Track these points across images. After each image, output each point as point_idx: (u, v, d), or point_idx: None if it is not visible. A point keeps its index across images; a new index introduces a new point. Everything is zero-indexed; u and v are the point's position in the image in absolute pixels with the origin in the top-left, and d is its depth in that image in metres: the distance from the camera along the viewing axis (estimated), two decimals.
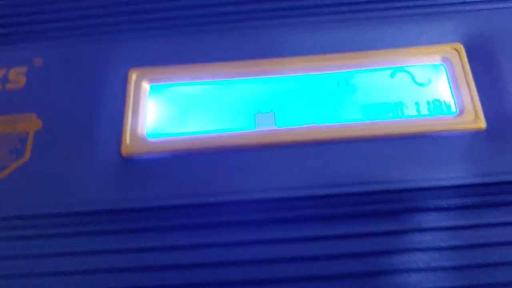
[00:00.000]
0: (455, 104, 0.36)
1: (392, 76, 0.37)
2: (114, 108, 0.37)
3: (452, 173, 0.33)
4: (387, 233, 0.32)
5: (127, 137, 0.35)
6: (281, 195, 0.33)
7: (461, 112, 0.35)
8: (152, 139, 0.36)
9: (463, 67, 0.36)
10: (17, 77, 0.38)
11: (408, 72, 0.37)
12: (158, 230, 0.34)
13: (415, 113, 0.36)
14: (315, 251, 0.32)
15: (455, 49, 0.37)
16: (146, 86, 0.37)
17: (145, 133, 0.36)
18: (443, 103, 0.36)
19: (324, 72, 0.37)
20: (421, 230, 0.32)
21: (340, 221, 0.33)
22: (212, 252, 0.32)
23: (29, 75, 0.38)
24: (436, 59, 0.37)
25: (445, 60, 0.37)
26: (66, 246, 0.34)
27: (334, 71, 0.37)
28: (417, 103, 0.36)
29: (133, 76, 0.37)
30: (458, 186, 0.33)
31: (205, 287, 0.32)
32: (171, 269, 0.33)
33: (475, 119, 0.34)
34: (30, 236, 0.34)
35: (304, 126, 0.36)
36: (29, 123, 0.36)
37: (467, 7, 0.39)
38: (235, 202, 0.33)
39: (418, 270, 0.32)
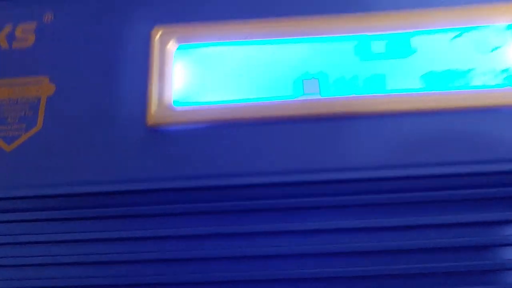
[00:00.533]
0: None
1: (456, 38, 0.32)
2: (136, 71, 0.32)
3: None
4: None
5: (152, 105, 0.31)
6: (339, 177, 0.29)
7: None
8: (180, 108, 0.31)
9: None
10: (25, 34, 0.33)
11: (475, 34, 0.32)
12: (189, 214, 0.30)
13: (481, 83, 0.31)
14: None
15: None
16: (172, 46, 0.33)
17: (172, 101, 0.31)
18: None
19: (378, 33, 0.32)
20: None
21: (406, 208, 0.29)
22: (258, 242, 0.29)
23: (38, 32, 0.34)
24: (508, 19, 0.32)
25: None
26: (85, 230, 0.30)
27: (389, 32, 0.32)
28: (484, 72, 0.31)
29: (158, 35, 0.33)
30: None
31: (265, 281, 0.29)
32: (213, 260, 0.29)
33: None
34: (42, 219, 0.30)
35: (357, 95, 0.31)
36: (41, 87, 0.32)
37: None
38: (279, 183, 0.29)
39: None
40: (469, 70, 0.31)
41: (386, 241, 0.29)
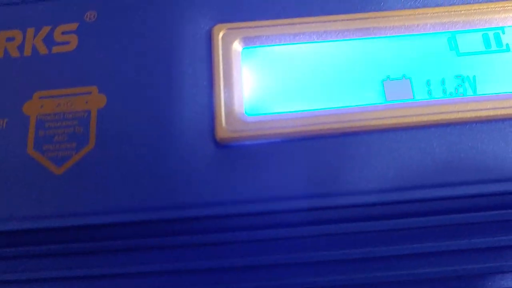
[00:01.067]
0: None
1: None
2: (198, 76, 0.28)
3: None
4: None
5: (222, 117, 0.27)
6: (436, 195, 0.25)
7: None
8: (252, 119, 0.27)
9: None
10: (66, 36, 0.29)
11: None
12: (271, 241, 0.26)
13: None
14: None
15: None
16: (238, 47, 0.29)
17: (244, 111, 0.27)
18: None
19: (469, 28, 0.29)
20: None
21: None
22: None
23: (80, 33, 0.29)
24: None
25: None
26: (154, 261, 0.26)
27: (481, 27, 0.29)
28: None
29: (220, 34, 0.29)
30: None
31: None
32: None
33: None
34: (102, 250, 0.26)
35: (450, 97, 0.27)
36: (90, 99, 0.28)
37: None
38: (379, 203, 0.25)
39: None
40: None
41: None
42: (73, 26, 0.29)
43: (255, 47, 0.29)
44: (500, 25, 0.28)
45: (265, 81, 0.28)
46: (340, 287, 0.26)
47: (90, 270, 0.26)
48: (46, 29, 0.29)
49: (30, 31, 0.29)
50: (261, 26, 0.28)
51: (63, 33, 0.29)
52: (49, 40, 0.29)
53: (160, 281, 0.26)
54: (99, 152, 0.27)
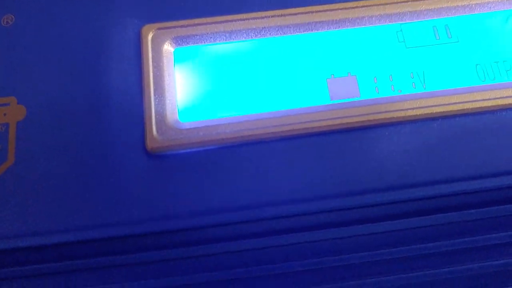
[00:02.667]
0: None
1: (507, 20, 0.27)
2: (127, 83, 0.26)
3: None
4: None
5: (152, 125, 0.25)
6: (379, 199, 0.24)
7: None
8: (187, 125, 0.25)
9: None
10: None
11: None
12: (206, 257, 0.24)
13: None
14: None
15: None
16: (169, 48, 0.26)
17: (178, 118, 0.25)
18: None
19: (417, 20, 0.27)
20: None
21: None
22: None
23: None
24: None
25: None
26: (79, 285, 0.24)
27: (429, 18, 0.27)
28: None
29: (149, 35, 0.26)
30: None
31: None
32: None
33: None
34: (20, 276, 0.24)
35: (398, 94, 0.26)
36: (8, 111, 0.25)
37: None
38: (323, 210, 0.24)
39: None
40: None
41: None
42: None
43: (188, 47, 0.26)
44: (449, 15, 0.27)
45: (200, 84, 0.26)
46: None
47: None
48: None
49: None
50: (194, 25, 0.26)
51: None
52: None
53: None
54: (19, 169, 0.24)
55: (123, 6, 0.27)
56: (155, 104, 0.25)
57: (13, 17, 0.27)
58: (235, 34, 0.26)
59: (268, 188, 0.24)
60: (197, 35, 0.26)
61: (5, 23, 0.27)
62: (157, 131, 0.25)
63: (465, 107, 0.25)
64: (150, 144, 0.24)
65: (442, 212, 0.24)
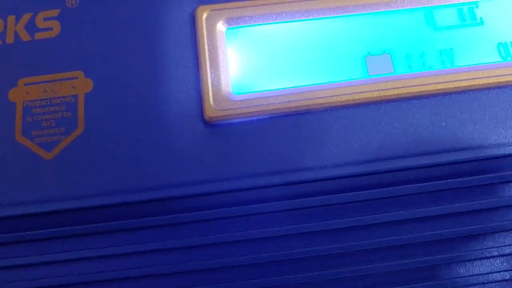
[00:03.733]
0: None
1: None
2: (183, 58, 0.28)
3: None
4: None
5: (209, 97, 0.27)
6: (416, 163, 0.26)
7: None
8: (239, 97, 0.28)
9: None
10: (48, 23, 0.29)
11: None
12: (260, 215, 0.27)
13: None
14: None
15: None
16: (221, 28, 0.29)
17: (231, 90, 0.28)
18: None
19: (446, 3, 0.30)
20: None
21: None
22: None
23: (63, 18, 0.29)
24: None
25: None
26: (148, 240, 0.26)
27: (458, 1, 0.30)
28: None
29: (204, 16, 0.29)
30: None
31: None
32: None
33: None
34: (94, 233, 0.26)
35: (429, 70, 0.28)
36: (76, 84, 0.28)
37: None
38: (362, 173, 0.26)
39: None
40: None
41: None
42: (55, 12, 0.29)
43: (238, 27, 0.29)
44: None
45: (250, 61, 0.29)
46: (323, 257, 0.27)
47: (88, 251, 0.26)
48: (27, 16, 0.29)
49: (11, 18, 0.29)
50: (244, 7, 0.29)
51: (45, 19, 0.29)
52: (31, 27, 0.29)
53: (156, 259, 0.26)
54: (88, 136, 0.27)
55: None
56: (211, 78, 0.28)
57: None
58: (281, 16, 0.29)
59: (311, 153, 0.27)
60: (246, 17, 0.29)
61: (70, 4, 0.29)
62: (214, 103, 0.27)
63: (489, 81, 0.28)
64: (207, 114, 0.27)
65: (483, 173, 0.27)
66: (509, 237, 0.27)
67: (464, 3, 0.30)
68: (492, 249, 0.27)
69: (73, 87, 0.27)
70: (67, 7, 0.29)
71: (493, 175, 0.27)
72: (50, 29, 0.29)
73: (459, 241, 0.27)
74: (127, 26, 0.29)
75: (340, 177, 0.27)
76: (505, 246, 0.27)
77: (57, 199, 0.26)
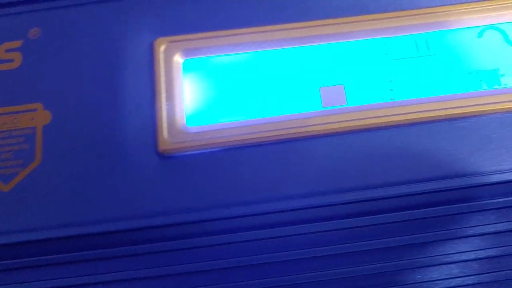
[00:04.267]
0: None
1: (480, 35, 0.30)
2: (141, 90, 0.29)
3: None
4: None
5: (163, 129, 0.28)
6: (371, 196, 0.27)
7: None
8: (194, 129, 0.28)
9: None
10: (10, 54, 0.30)
11: (500, 30, 0.30)
12: (212, 247, 0.27)
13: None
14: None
15: None
16: (179, 59, 0.30)
17: (186, 123, 0.28)
18: None
19: (400, 34, 0.30)
20: None
21: None
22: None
23: (24, 50, 0.30)
24: None
25: None
26: (96, 273, 0.27)
27: (411, 33, 0.30)
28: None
29: (162, 48, 0.29)
30: None
31: None
32: None
33: None
34: (48, 264, 0.27)
35: (381, 102, 0.29)
36: (36, 116, 0.28)
37: None
38: (314, 206, 0.27)
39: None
40: (498, 68, 0.30)
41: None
42: (17, 43, 0.30)
43: (195, 58, 0.30)
44: (428, 30, 0.30)
45: (206, 92, 0.29)
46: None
47: (42, 283, 0.26)
48: None
49: None
50: (201, 38, 0.29)
51: (7, 50, 0.29)
52: None
53: None
54: (45, 168, 0.28)
55: (138, 20, 0.30)
56: (166, 111, 0.28)
57: (39, 30, 0.30)
58: (237, 47, 0.30)
59: (265, 186, 0.27)
60: (203, 48, 0.29)
61: (32, 36, 0.30)
62: (168, 135, 0.28)
63: (440, 114, 0.28)
64: (161, 146, 0.28)
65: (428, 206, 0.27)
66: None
67: (418, 35, 0.30)
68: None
69: (32, 119, 0.28)
70: (30, 39, 0.30)
71: (443, 207, 0.27)
72: (11, 60, 0.29)
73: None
74: (88, 58, 0.30)
75: (293, 210, 0.27)
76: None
77: (13, 231, 0.27)
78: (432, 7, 0.30)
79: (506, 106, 0.28)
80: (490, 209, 0.27)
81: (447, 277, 0.27)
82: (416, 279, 0.27)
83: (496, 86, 0.29)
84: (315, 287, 0.27)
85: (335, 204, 0.27)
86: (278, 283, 0.27)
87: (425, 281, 0.27)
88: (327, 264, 0.27)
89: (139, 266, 0.27)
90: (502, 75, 0.29)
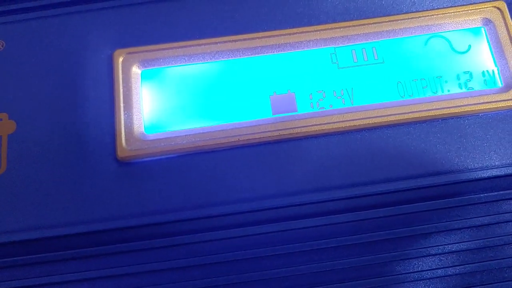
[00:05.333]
0: (499, 75, 0.31)
1: (426, 43, 0.32)
2: (101, 100, 0.31)
3: (504, 160, 0.29)
4: None
5: (122, 137, 0.30)
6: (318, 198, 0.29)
7: (507, 86, 0.30)
8: (151, 137, 0.30)
9: (508, 29, 0.31)
10: None
11: (445, 38, 0.32)
12: (168, 248, 0.29)
13: (456, 87, 0.31)
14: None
15: (497, 8, 0.32)
16: (137, 70, 0.31)
17: (143, 130, 0.30)
18: (486, 73, 0.31)
19: (348, 44, 0.31)
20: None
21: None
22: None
23: None
24: (476, 22, 0.32)
25: (487, 22, 0.32)
26: (58, 273, 0.29)
27: (359, 42, 0.31)
28: (458, 76, 0.31)
29: (120, 59, 0.31)
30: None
31: None
32: None
33: None
34: (10, 265, 0.29)
35: (329, 109, 0.30)
36: (1, 125, 0.30)
37: None
38: (269, 208, 0.29)
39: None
40: (441, 75, 0.31)
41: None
42: None
43: (153, 69, 0.31)
44: (375, 39, 0.31)
45: (164, 101, 0.31)
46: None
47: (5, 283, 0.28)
48: None
49: None
50: (158, 50, 0.31)
51: None
52: None
53: None
54: (10, 175, 0.29)
55: (98, 33, 0.31)
56: (124, 119, 0.30)
57: (4, 43, 0.31)
58: (192, 58, 0.31)
59: (217, 190, 0.29)
60: (160, 59, 0.31)
61: None
62: (126, 142, 0.29)
63: (387, 120, 0.30)
64: (120, 154, 0.29)
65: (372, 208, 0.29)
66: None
67: (365, 44, 0.31)
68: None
69: None
70: None
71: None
72: None
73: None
74: (50, 69, 0.31)
75: (242, 212, 0.29)
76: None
77: None
78: (380, 16, 0.31)
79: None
80: (475, 203, 0.29)
81: (436, 267, 0.29)
82: (405, 270, 0.28)
83: (439, 92, 0.31)
84: (299, 281, 0.29)
85: (283, 207, 0.29)
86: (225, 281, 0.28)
87: (414, 272, 0.29)
88: (306, 259, 0.29)
89: (100, 267, 0.29)
90: (446, 82, 0.31)
